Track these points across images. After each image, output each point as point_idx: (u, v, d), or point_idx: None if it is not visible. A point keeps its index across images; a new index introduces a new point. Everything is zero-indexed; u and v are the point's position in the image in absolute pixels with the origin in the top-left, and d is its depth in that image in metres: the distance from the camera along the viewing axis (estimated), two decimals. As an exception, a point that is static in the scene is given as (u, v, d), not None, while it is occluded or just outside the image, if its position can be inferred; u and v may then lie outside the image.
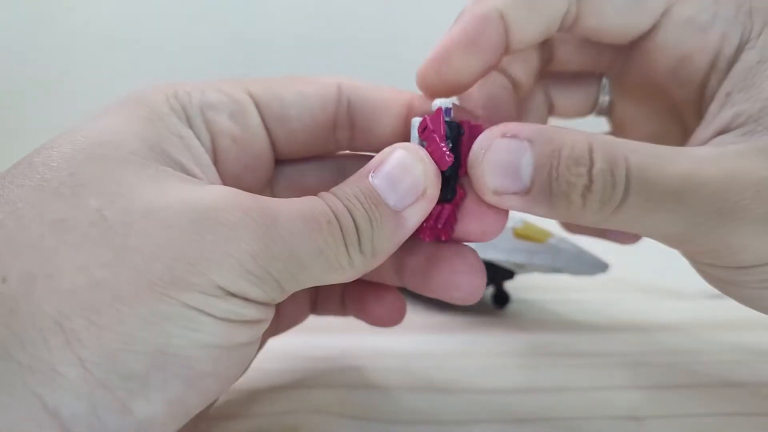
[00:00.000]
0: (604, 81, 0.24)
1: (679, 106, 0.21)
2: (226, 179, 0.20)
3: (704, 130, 0.18)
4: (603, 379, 0.28)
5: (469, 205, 0.19)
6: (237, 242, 0.15)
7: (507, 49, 0.19)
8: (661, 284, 0.41)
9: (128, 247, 0.15)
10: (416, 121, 0.19)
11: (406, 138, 0.20)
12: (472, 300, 0.20)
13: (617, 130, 0.25)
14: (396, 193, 0.17)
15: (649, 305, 0.38)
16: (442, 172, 0.19)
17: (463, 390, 0.27)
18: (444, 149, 0.18)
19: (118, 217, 0.15)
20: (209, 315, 0.15)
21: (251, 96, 0.20)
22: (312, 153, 0.22)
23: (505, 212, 0.19)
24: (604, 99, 0.24)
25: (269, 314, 0.17)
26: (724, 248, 0.17)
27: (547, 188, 0.17)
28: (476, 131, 0.19)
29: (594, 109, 0.25)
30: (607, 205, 0.16)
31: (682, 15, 0.18)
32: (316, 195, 0.18)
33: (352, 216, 0.17)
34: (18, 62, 0.51)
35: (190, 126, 0.19)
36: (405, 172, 0.18)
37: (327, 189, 0.18)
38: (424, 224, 0.19)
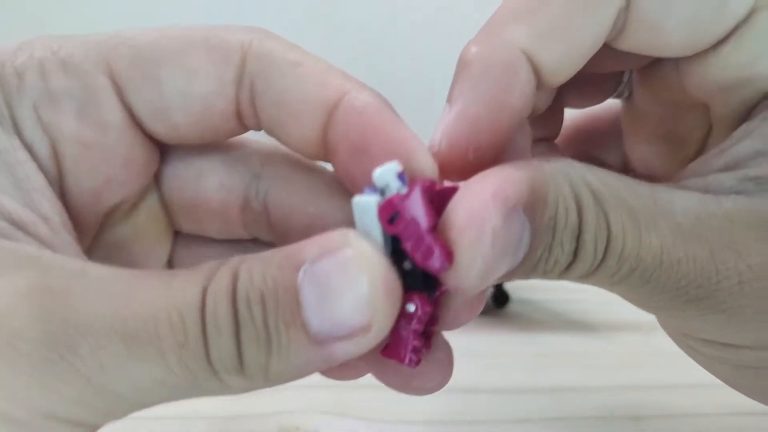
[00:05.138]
0: (626, 74, 0.20)
1: (715, 118, 0.17)
2: (81, 198, 0.15)
3: (716, 158, 0.15)
4: (603, 379, 0.28)
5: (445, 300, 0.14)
6: None
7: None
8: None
9: None
10: (365, 204, 0.12)
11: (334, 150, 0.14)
12: (431, 393, 0.15)
13: (627, 118, 0.21)
14: (324, 318, 0.11)
15: (649, 305, 0.38)
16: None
17: (464, 390, 0.27)
18: (435, 251, 0.12)
19: None
20: None
21: (113, 77, 0.14)
22: (212, 140, 0.16)
23: (482, 303, 0.15)
24: (622, 90, 0.20)
25: None
26: (689, 330, 0.15)
27: (532, 266, 0.13)
28: (448, 195, 0.12)
29: (609, 97, 0.21)
30: (580, 277, 0.14)
31: None
32: (210, 256, 0.12)
33: (239, 339, 0.11)
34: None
35: (18, 132, 0.13)
36: (344, 288, 0.11)
37: (235, 193, 0.14)
38: (390, 341, 0.13)
